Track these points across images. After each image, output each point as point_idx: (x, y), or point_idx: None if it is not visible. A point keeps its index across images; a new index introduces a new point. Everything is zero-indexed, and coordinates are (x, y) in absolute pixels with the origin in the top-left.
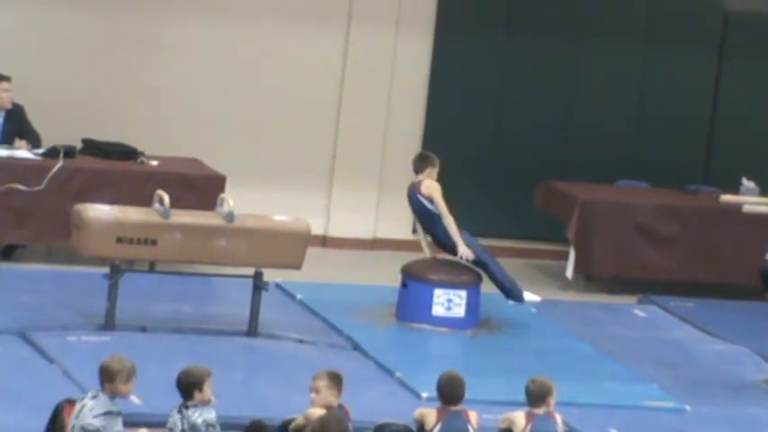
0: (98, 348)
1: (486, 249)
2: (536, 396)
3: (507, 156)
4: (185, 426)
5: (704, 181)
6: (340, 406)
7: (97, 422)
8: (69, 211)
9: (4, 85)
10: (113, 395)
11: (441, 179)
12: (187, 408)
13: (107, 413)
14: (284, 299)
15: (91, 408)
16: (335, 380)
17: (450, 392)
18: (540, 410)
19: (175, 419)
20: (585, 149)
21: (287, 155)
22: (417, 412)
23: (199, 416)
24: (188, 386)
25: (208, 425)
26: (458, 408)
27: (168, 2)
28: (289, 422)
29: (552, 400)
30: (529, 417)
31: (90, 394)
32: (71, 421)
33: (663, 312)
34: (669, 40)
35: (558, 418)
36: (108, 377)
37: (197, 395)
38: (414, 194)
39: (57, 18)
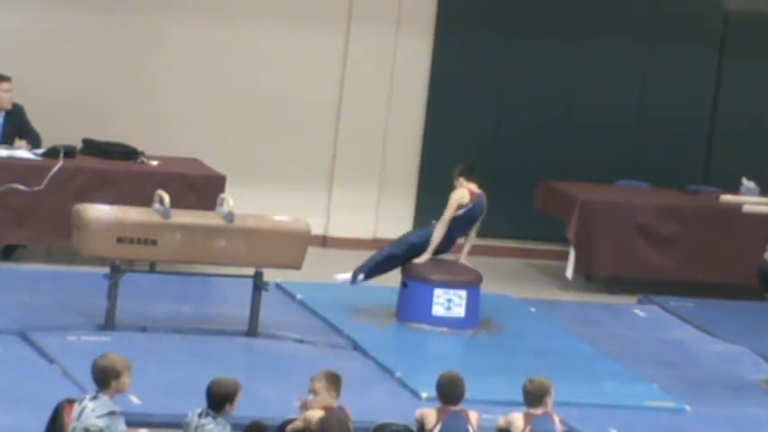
0: (98, 348)
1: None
2: (534, 396)
3: (507, 156)
4: None
5: (704, 181)
6: (340, 407)
7: (101, 422)
8: (69, 211)
9: (5, 85)
10: (118, 392)
11: (440, 179)
12: (206, 415)
13: (110, 413)
14: (284, 299)
15: (93, 409)
16: (334, 381)
17: (449, 392)
18: (539, 411)
19: (192, 422)
20: (585, 149)
21: (287, 155)
22: (418, 412)
23: (210, 430)
24: (221, 399)
25: None
26: (458, 408)
27: (168, 2)
28: (288, 422)
29: (550, 401)
30: (527, 418)
31: (89, 396)
32: (71, 423)
33: (663, 312)
34: (669, 40)
35: (557, 418)
36: (115, 374)
37: (227, 408)
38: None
39: (57, 18)
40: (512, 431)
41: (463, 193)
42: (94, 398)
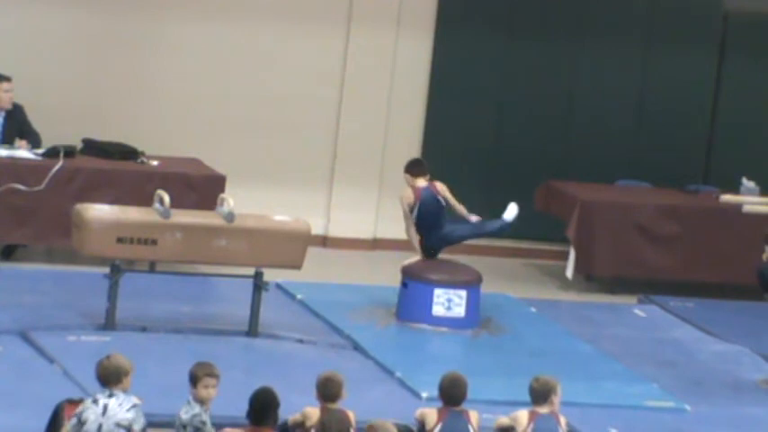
0: (98, 348)
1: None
2: (539, 394)
3: (507, 156)
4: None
5: (704, 181)
6: (340, 410)
7: (130, 415)
8: (69, 211)
9: (5, 85)
10: (123, 392)
11: (440, 179)
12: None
13: (135, 406)
14: (284, 299)
15: (119, 404)
16: (322, 387)
17: (451, 394)
18: (544, 409)
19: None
20: (585, 149)
21: (287, 155)
22: (418, 412)
23: (185, 413)
24: (190, 379)
25: (181, 423)
26: (459, 408)
27: (168, 2)
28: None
29: (557, 399)
30: (532, 416)
31: (103, 395)
32: (93, 422)
33: (663, 312)
34: (669, 39)
35: (563, 419)
36: (125, 372)
37: (194, 391)
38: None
39: (57, 18)
40: (516, 428)
41: (407, 194)
42: (111, 395)
